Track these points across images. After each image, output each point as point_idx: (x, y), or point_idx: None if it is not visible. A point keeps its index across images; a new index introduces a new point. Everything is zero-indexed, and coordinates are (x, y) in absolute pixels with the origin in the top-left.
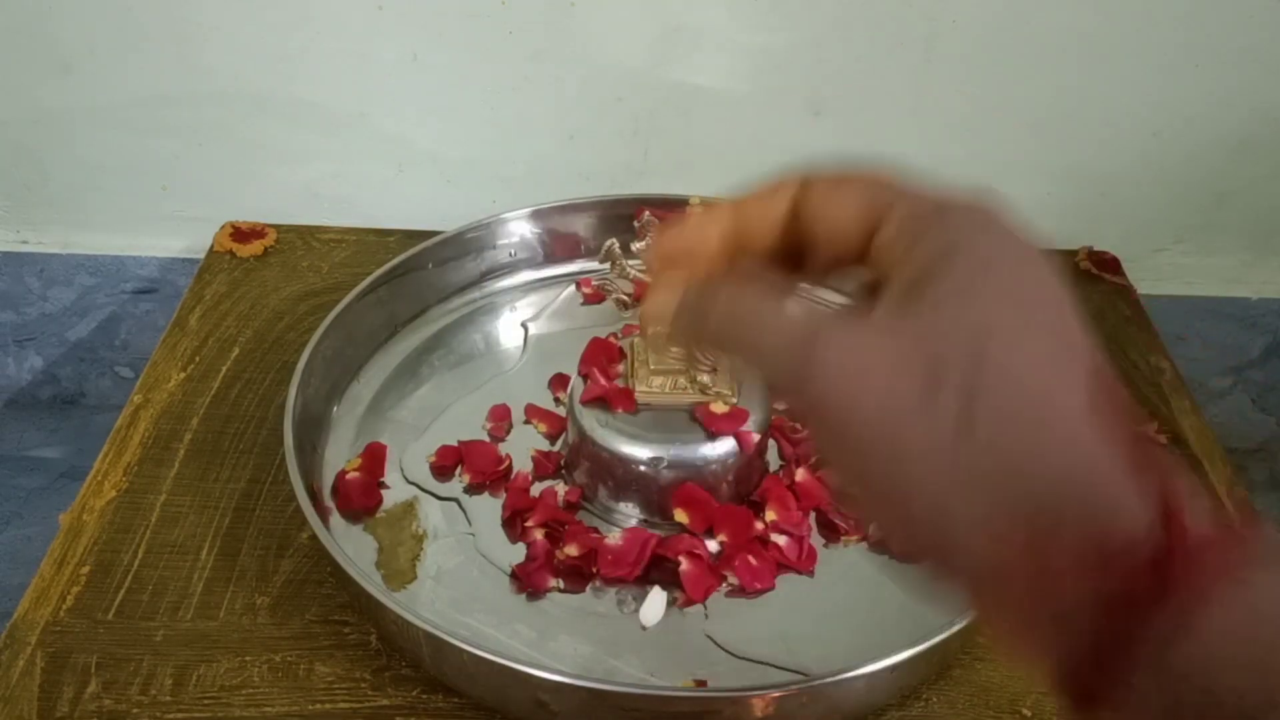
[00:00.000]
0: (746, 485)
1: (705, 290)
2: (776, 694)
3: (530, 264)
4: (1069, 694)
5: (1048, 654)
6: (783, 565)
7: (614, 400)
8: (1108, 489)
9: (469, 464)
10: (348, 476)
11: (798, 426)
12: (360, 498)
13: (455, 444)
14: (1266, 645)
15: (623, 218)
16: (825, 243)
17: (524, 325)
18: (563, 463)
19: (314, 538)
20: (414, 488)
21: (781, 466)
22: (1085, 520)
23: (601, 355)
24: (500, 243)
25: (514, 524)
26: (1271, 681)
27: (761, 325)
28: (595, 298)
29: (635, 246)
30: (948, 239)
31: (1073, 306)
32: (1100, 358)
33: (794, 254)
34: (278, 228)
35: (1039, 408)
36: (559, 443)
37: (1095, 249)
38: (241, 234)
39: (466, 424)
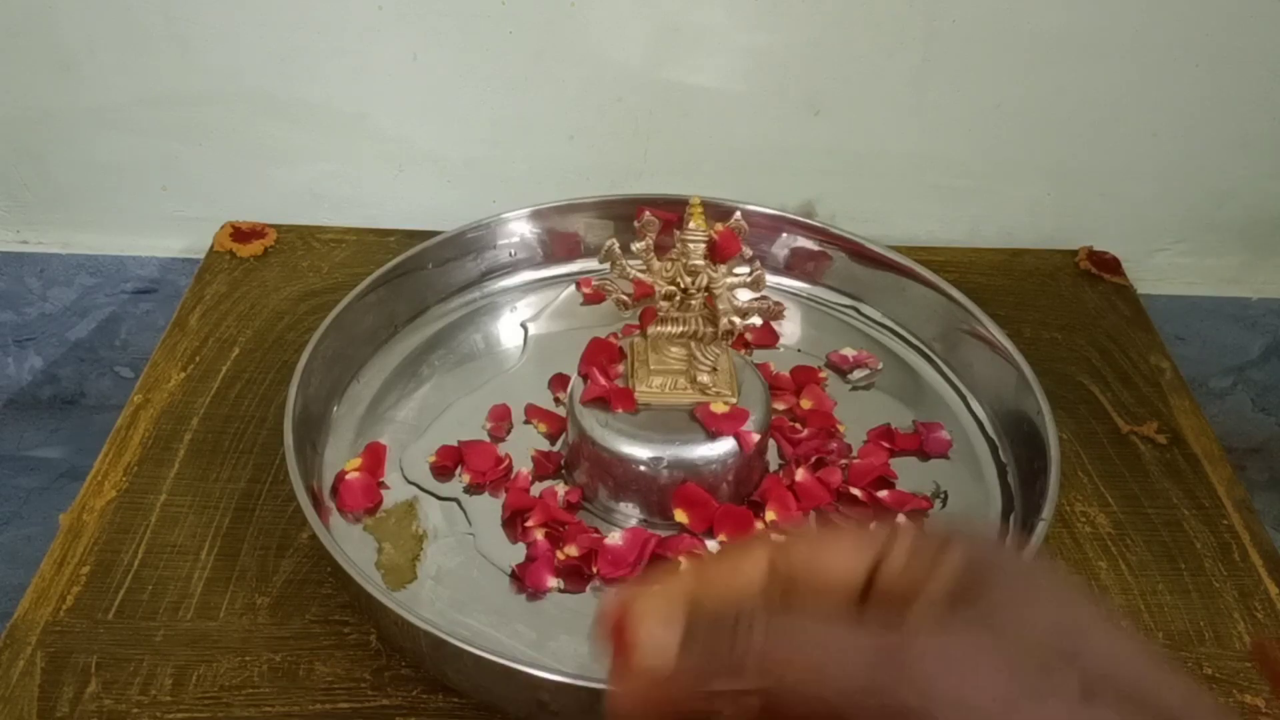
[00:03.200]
0: (746, 485)
1: (728, 617)
2: None
3: (530, 264)
4: None
5: None
6: None
7: (614, 400)
8: None
9: (469, 464)
10: (348, 476)
11: (797, 427)
12: (360, 498)
13: (455, 444)
14: None
15: (623, 218)
16: (813, 593)
17: (524, 325)
18: (563, 463)
19: (314, 538)
20: (414, 488)
21: (781, 466)
22: None
23: (601, 355)
24: (500, 243)
25: (514, 524)
26: None
27: (825, 642)
28: (595, 298)
29: (635, 246)
30: (972, 558)
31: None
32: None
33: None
34: (278, 228)
35: (1144, 685)
36: (559, 443)
37: (1095, 249)
38: (241, 234)
39: (466, 424)
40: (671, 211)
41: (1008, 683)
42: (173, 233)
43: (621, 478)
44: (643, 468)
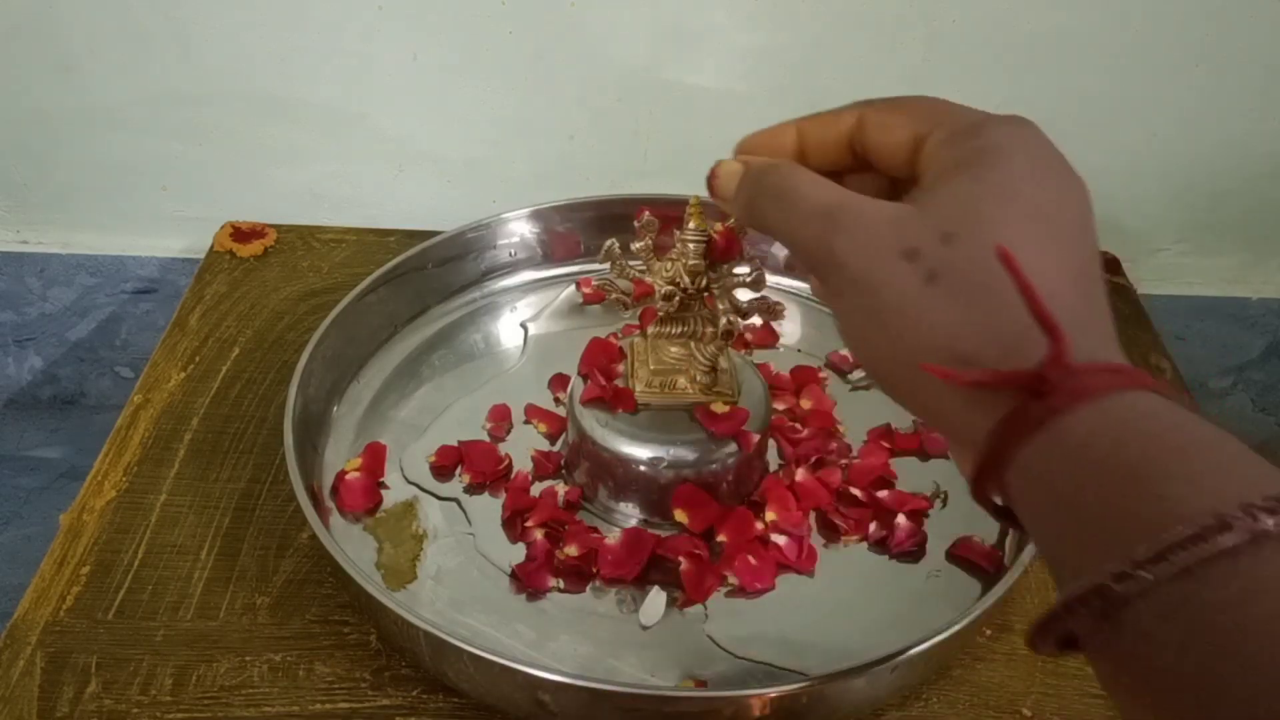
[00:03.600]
0: (746, 485)
1: (765, 167)
2: (776, 694)
3: (530, 264)
4: (983, 497)
5: (971, 464)
6: (783, 565)
7: (614, 400)
8: (1012, 336)
9: (469, 464)
10: (348, 476)
11: (797, 427)
12: (360, 498)
13: (455, 444)
14: (1110, 463)
15: (623, 218)
16: (880, 158)
17: (524, 325)
18: (563, 463)
19: (314, 538)
20: (414, 488)
21: (781, 466)
22: (996, 354)
23: (601, 355)
24: (500, 243)
25: (514, 524)
26: (1113, 491)
27: (800, 197)
28: (595, 298)
29: (635, 246)
30: (975, 146)
31: (1073, 208)
32: (1088, 246)
33: (853, 171)
34: (278, 228)
35: (985, 280)
36: (559, 443)
37: None
38: (241, 234)
39: (466, 424)
40: (671, 211)
41: (887, 248)
42: (173, 233)
43: (621, 478)
44: (643, 468)
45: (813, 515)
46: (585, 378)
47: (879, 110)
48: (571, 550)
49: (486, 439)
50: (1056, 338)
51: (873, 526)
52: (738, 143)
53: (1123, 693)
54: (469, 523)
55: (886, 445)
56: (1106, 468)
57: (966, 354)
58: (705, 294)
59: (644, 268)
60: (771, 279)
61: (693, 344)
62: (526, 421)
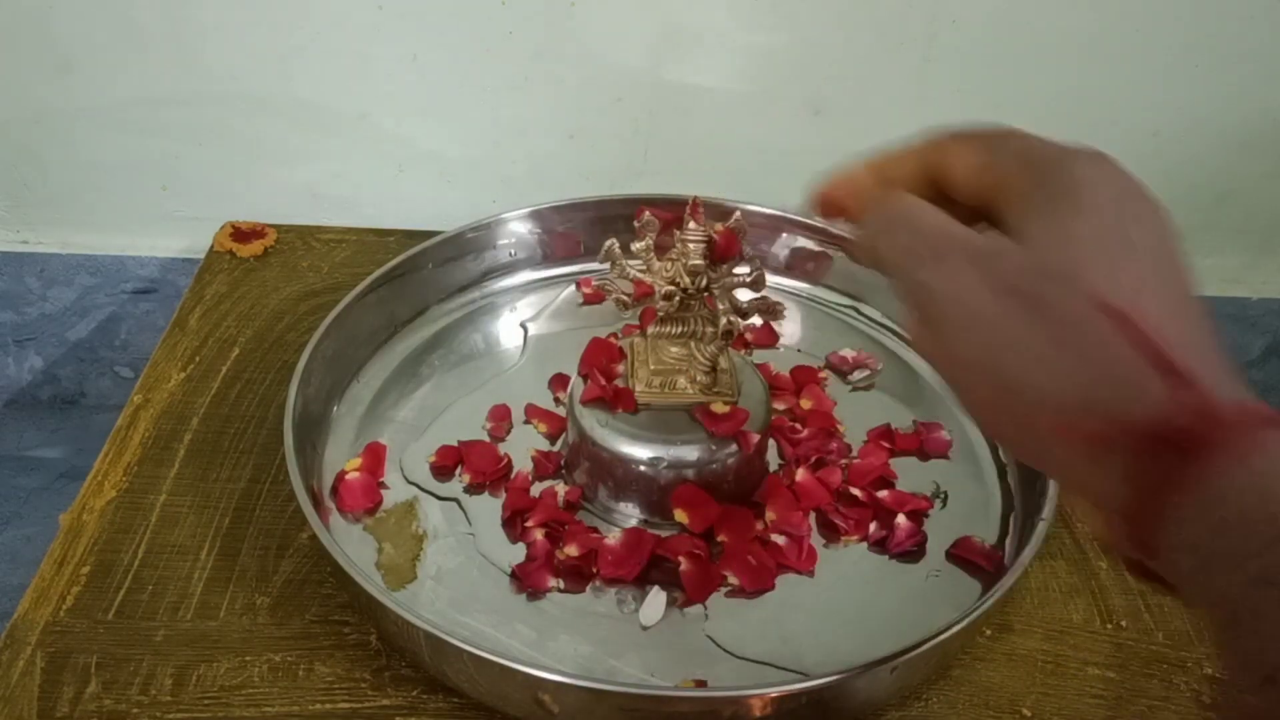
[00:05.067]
0: (746, 485)
1: (887, 198)
2: (776, 694)
3: (530, 264)
4: (1121, 553)
5: (1103, 514)
6: (783, 565)
7: (614, 400)
8: (1134, 383)
9: (469, 464)
10: (348, 476)
11: (797, 427)
12: (360, 498)
13: (455, 444)
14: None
15: (623, 218)
16: (956, 189)
17: (524, 325)
18: (563, 463)
19: (314, 538)
20: (414, 488)
21: (781, 466)
22: (1113, 402)
23: (601, 355)
24: (500, 243)
25: (514, 524)
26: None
27: (895, 237)
28: (595, 298)
29: (635, 246)
30: (1062, 182)
31: (1168, 241)
32: (1186, 277)
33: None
34: (278, 228)
35: (1092, 327)
36: (559, 443)
37: None
38: (241, 234)
39: (466, 424)
40: (671, 211)
41: (994, 308)
42: (173, 233)
43: (621, 478)
44: (643, 468)
45: (813, 515)
46: (585, 378)
47: (950, 144)
48: (571, 550)
49: (486, 439)
50: (1186, 382)
51: (873, 526)
52: (811, 191)
53: None
54: (469, 523)
55: (886, 445)
56: (1266, 535)
57: (1078, 399)
58: (705, 294)
59: (644, 268)
60: (771, 279)
61: (693, 344)
62: (526, 421)
